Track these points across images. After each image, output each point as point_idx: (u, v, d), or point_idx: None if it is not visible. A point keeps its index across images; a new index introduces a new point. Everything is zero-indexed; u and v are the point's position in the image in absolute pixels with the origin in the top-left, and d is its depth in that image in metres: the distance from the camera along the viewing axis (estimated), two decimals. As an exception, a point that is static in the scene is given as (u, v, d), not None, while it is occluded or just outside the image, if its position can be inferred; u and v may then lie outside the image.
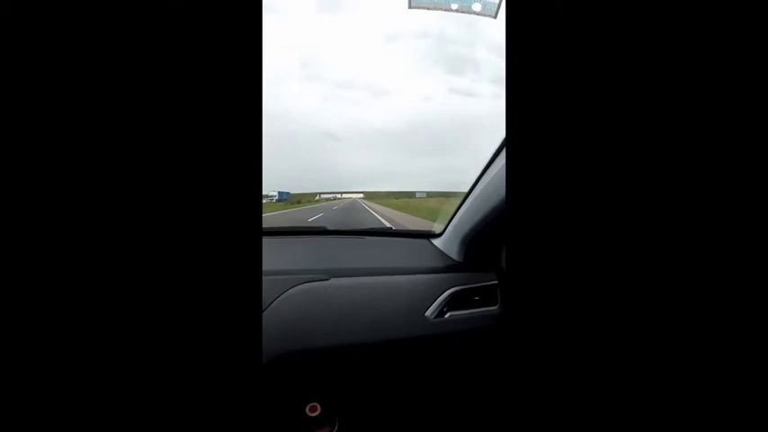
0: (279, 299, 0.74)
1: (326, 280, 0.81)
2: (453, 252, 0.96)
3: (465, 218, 0.87)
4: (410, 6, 0.46)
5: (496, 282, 0.87)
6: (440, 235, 1.09)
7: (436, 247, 1.07)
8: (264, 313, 0.71)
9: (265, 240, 1.23)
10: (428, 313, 0.77)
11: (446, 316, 0.78)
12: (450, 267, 0.91)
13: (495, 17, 0.48)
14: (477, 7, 0.47)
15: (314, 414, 0.75)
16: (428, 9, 0.47)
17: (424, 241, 1.13)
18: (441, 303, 0.78)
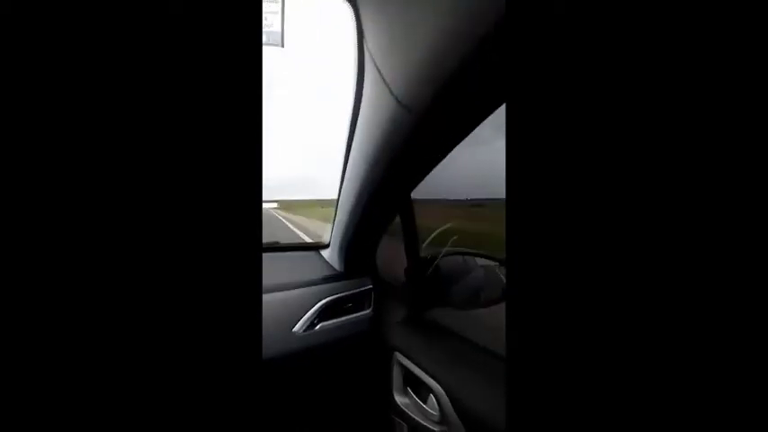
0: None
1: None
2: (336, 262, 0.98)
3: (337, 227, 0.90)
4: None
5: (371, 286, 0.91)
6: (328, 245, 1.11)
7: (323, 258, 1.08)
8: None
9: None
10: (296, 328, 0.78)
11: (316, 328, 0.80)
12: (330, 278, 0.93)
13: (282, 46, 0.51)
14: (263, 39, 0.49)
15: None
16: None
17: (312, 254, 1.14)
18: (311, 316, 0.80)
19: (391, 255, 0.95)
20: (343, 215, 0.85)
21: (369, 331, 0.86)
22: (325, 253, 1.10)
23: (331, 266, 1.00)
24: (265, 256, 1.22)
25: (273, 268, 1.08)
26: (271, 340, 0.76)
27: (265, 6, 0.49)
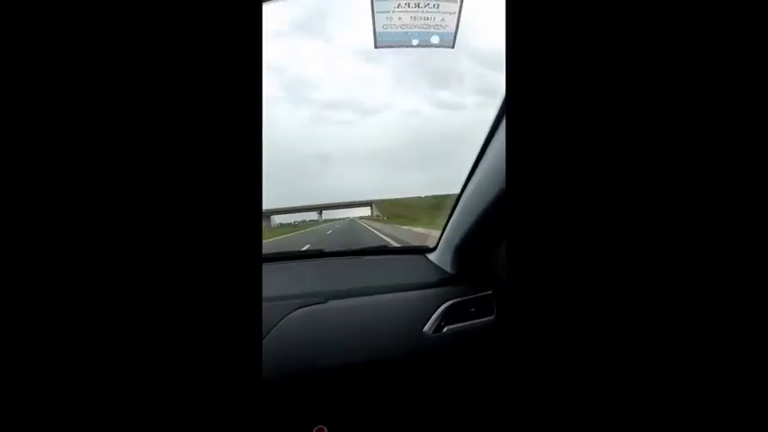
0: (279, 324, 0.75)
1: (324, 303, 0.83)
2: (447, 265, 0.98)
3: (454, 229, 0.90)
4: (376, 46, 0.50)
5: (491, 292, 0.89)
6: (434, 249, 1.11)
7: (431, 261, 1.09)
8: (266, 339, 0.72)
9: (265, 267, 1.23)
10: (426, 329, 0.79)
11: (444, 330, 0.80)
12: (445, 281, 0.93)
13: (452, 47, 0.53)
14: (435, 40, 0.51)
15: None
16: (392, 47, 0.52)
17: (419, 257, 1.15)
18: (437, 318, 0.80)
19: None
20: (463, 217, 0.84)
21: (495, 337, 0.84)
22: (431, 256, 1.11)
23: (442, 269, 1.00)
24: (378, 259, 1.27)
25: (387, 270, 1.12)
26: (402, 340, 0.78)
27: (442, 6, 0.51)
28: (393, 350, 0.77)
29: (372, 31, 0.48)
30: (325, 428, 0.75)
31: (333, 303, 0.83)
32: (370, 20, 0.47)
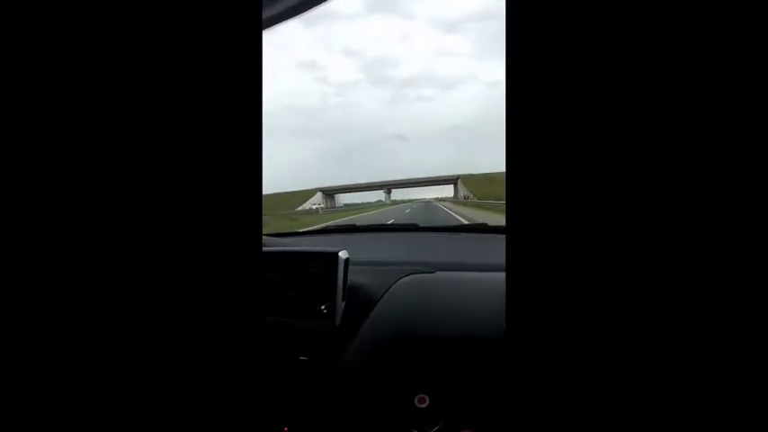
0: (392, 288, 0.76)
1: (432, 273, 0.82)
2: None
3: None
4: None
5: None
6: None
7: None
8: (381, 301, 0.74)
9: (368, 236, 1.26)
10: None
11: None
12: None
13: None
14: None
15: (422, 405, 0.75)
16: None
17: None
18: None
19: None
20: None
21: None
22: None
23: None
24: (475, 236, 1.23)
25: (487, 249, 1.08)
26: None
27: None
28: (501, 327, 0.74)
29: None
30: (427, 397, 0.75)
31: (440, 274, 0.82)
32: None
